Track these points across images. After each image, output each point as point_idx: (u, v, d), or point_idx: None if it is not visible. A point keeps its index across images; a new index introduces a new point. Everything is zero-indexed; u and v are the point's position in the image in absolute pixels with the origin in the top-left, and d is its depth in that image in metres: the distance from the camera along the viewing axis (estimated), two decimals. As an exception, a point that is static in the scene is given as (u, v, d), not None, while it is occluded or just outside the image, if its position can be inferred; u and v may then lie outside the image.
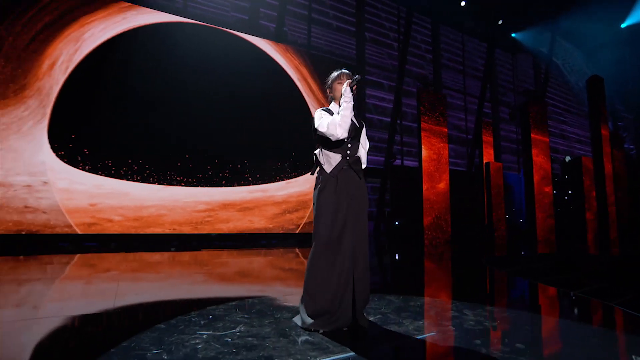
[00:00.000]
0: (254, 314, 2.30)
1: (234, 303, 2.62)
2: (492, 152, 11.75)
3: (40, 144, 6.39)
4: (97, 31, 7.04)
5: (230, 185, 8.19)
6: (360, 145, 2.24)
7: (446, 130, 9.82)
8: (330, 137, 2.02)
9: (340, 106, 2.05)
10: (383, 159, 12.52)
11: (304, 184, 9.16)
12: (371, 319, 2.24)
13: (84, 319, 2.24)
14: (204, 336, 1.84)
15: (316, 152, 2.16)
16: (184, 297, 2.96)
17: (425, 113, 9.57)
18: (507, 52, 17.19)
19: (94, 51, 7.00)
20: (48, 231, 6.38)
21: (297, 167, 9.03)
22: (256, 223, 8.44)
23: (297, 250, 6.96)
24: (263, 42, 9.16)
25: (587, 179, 11.36)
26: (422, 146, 9.44)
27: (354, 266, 2.01)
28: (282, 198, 8.86)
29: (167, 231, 7.43)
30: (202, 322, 2.10)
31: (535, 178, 10.31)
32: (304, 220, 9.07)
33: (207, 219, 7.86)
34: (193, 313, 2.31)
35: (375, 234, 12.19)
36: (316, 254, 2.02)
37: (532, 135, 10.31)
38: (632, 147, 19.35)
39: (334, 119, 2.00)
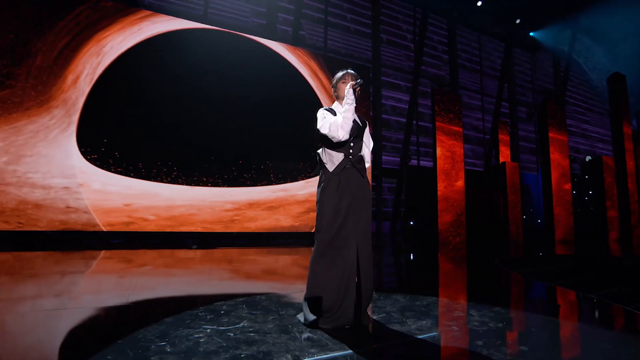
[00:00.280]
0: (260, 310, 2.34)
1: (242, 299, 2.67)
2: (508, 151, 11.51)
3: (68, 149, 6.76)
4: (116, 43, 7.38)
5: (254, 185, 8.46)
6: (363, 144, 2.25)
7: (461, 130, 9.70)
8: (332, 139, 2.04)
9: (343, 107, 2.07)
10: (399, 159, 12.46)
11: (322, 184, 9.33)
12: (375, 317, 2.24)
13: (102, 311, 2.32)
14: (208, 330, 1.89)
15: (319, 151, 2.19)
16: (196, 293, 3.03)
17: (440, 113, 9.48)
18: (525, 51, 16.82)
19: (116, 61, 7.34)
20: (90, 229, 6.84)
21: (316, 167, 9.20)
22: (282, 221, 8.66)
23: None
24: (280, 46, 9.32)
25: (609, 176, 11.01)
26: (437, 146, 9.36)
27: (357, 265, 2.02)
28: (303, 197, 9.06)
29: (200, 229, 7.78)
30: (208, 317, 2.15)
31: (554, 175, 10.06)
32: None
33: (235, 218, 8.16)
34: (201, 308, 2.37)
35: (392, 233, 12.14)
36: (318, 252, 2.04)
37: (550, 134, 10.06)
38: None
39: (335, 121, 2.02)
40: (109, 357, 1.53)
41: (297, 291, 3.00)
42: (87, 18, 7.10)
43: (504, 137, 11.51)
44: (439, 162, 9.33)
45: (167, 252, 5.79)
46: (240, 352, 1.60)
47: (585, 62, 18.60)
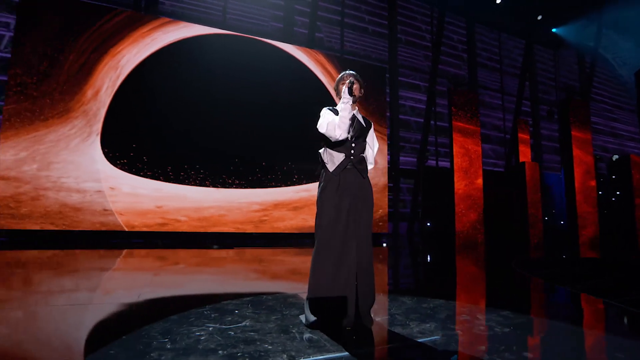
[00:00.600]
0: (264, 310, 2.37)
1: (248, 298, 2.70)
2: (529, 151, 11.19)
3: (93, 156, 7.15)
4: (132, 56, 7.71)
5: (277, 186, 8.71)
6: (367, 145, 2.25)
7: (479, 129, 9.51)
8: (330, 138, 2.05)
9: None
10: (417, 160, 12.33)
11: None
12: (378, 319, 2.23)
13: (117, 307, 2.41)
14: (210, 328, 1.93)
15: (320, 151, 2.20)
16: (207, 291, 3.09)
17: (457, 113, 9.33)
18: (548, 49, 16.32)
19: (134, 72, 7.67)
20: (128, 229, 7.30)
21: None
22: (310, 221, 8.82)
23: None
24: (296, 50, 9.45)
25: (637, 172, 10.54)
26: (454, 145, 9.22)
27: (357, 266, 2.01)
28: (325, 197, 9.24)
29: (232, 230, 8.11)
30: (212, 316, 2.19)
31: (578, 172, 9.70)
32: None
33: (264, 218, 8.46)
34: (207, 306, 2.42)
35: (409, 234, 12.03)
36: (318, 253, 2.05)
37: (572, 132, 9.72)
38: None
39: (333, 120, 2.03)
40: (111, 351, 1.59)
41: (306, 291, 3.01)
42: (100, 35, 7.44)
43: (524, 137, 11.19)
44: (457, 161, 9.18)
45: (202, 251, 5.99)
46: (237, 350, 1.63)
47: (613, 57, 17.85)
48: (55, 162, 6.84)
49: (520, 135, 11.09)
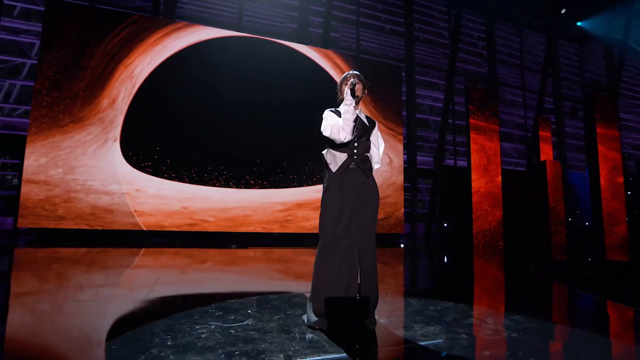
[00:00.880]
0: (268, 309, 2.38)
1: (254, 297, 2.72)
2: (550, 149, 10.82)
3: (112, 160, 7.42)
4: (145, 65, 7.92)
5: (299, 186, 8.83)
6: (372, 144, 2.22)
7: (497, 127, 9.27)
8: (335, 140, 2.04)
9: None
10: (434, 159, 12.15)
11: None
12: (382, 321, 2.21)
13: (129, 303, 2.48)
14: (212, 327, 1.96)
15: (324, 152, 2.19)
16: (215, 290, 3.14)
17: (475, 112, 9.13)
18: (572, 43, 15.74)
19: (149, 79, 7.89)
20: (159, 229, 7.61)
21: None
22: None
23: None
24: (311, 50, 9.50)
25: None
26: (471, 143, 9.02)
27: (360, 267, 2.00)
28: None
29: (259, 230, 8.28)
30: (216, 314, 2.22)
31: (604, 168, 9.31)
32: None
33: (288, 218, 8.60)
34: (212, 305, 2.45)
35: (426, 235, 11.87)
36: (321, 253, 2.03)
37: (597, 129, 9.34)
38: None
39: (337, 122, 2.02)
40: (114, 347, 1.63)
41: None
42: (114, 46, 7.68)
43: (545, 134, 10.83)
44: (475, 158, 8.99)
45: (230, 251, 6.13)
46: (235, 349, 1.64)
47: (645, 50, 17.03)
48: (78, 166, 7.13)
49: (541, 132, 10.72)
